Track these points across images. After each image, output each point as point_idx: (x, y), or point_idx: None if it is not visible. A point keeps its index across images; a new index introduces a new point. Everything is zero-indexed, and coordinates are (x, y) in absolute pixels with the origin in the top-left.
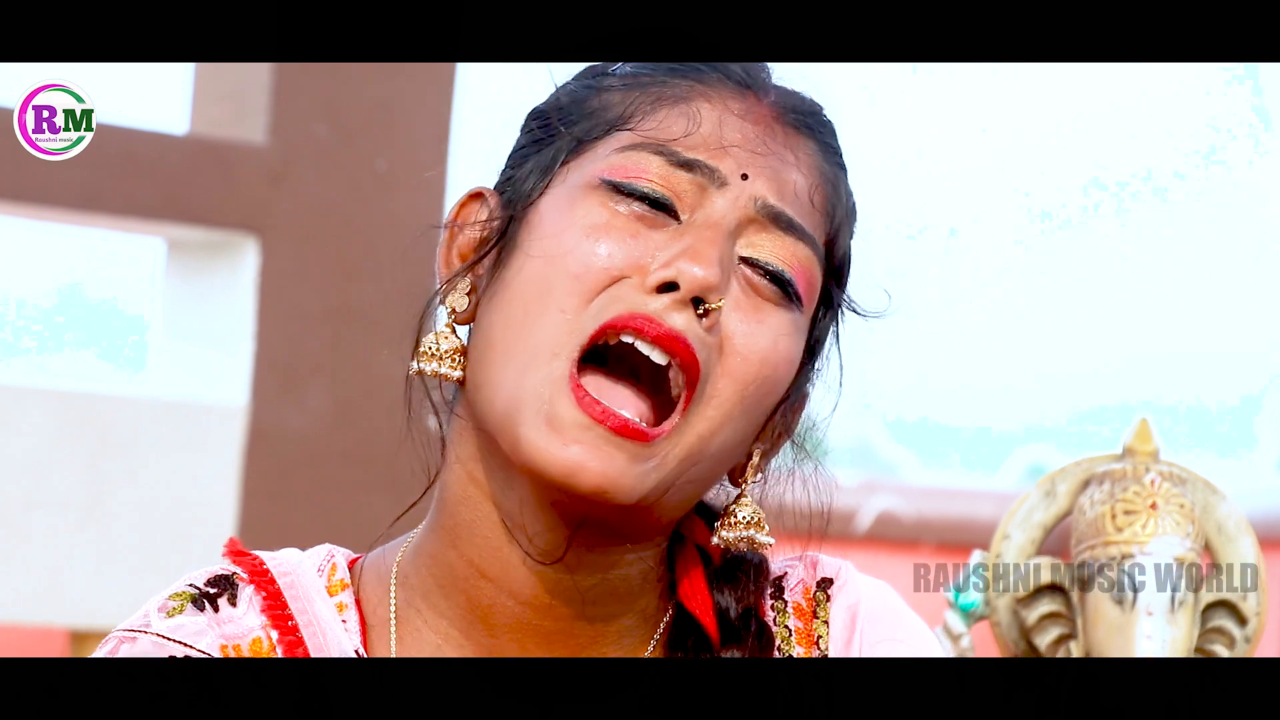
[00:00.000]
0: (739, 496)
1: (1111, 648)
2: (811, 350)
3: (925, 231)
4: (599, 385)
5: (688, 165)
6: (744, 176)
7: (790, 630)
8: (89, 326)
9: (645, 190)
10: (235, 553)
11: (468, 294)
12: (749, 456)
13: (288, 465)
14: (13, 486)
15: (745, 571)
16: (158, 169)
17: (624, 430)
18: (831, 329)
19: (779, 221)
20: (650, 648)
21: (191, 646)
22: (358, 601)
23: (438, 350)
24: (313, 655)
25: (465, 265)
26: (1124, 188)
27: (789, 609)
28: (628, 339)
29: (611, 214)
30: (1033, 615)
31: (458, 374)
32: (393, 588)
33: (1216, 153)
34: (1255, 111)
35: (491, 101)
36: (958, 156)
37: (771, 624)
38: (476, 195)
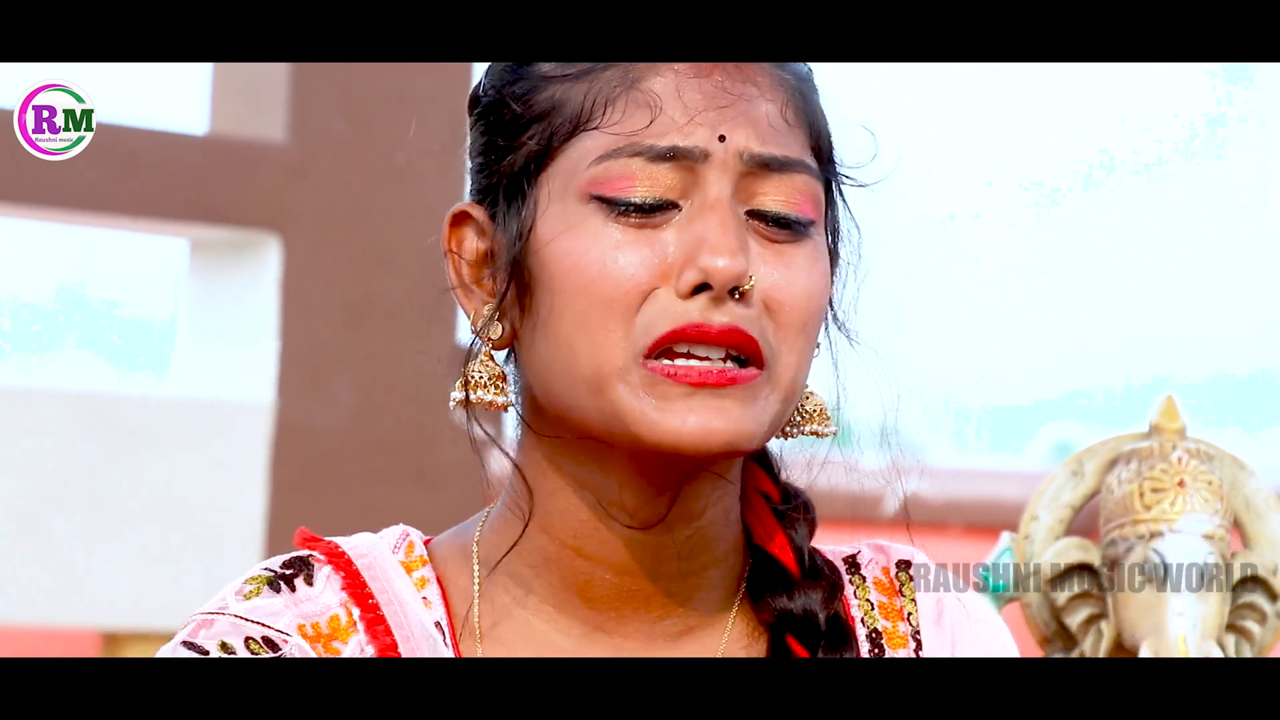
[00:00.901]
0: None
1: (1143, 626)
2: (833, 237)
3: (948, 215)
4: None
5: (668, 156)
6: (721, 138)
7: (873, 604)
8: (114, 329)
9: (639, 200)
10: (308, 539)
11: (497, 319)
12: None
13: (315, 460)
14: (41, 489)
15: (804, 510)
16: (178, 170)
17: (725, 380)
18: (839, 203)
19: (770, 166)
20: (737, 599)
21: (270, 626)
22: (438, 578)
23: (483, 379)
24: (394, 631)
25: (492, 309)
26: (1148, 161)
27: (869, 584)
28: (682, 349)
29: (619, 228)
30: (1063, 595)
31: (504, 399)
32: (475, 568)
33: (1237, 130)
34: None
35: None
36: (971, 139)
37: (852, 597)
38: (463, 216)
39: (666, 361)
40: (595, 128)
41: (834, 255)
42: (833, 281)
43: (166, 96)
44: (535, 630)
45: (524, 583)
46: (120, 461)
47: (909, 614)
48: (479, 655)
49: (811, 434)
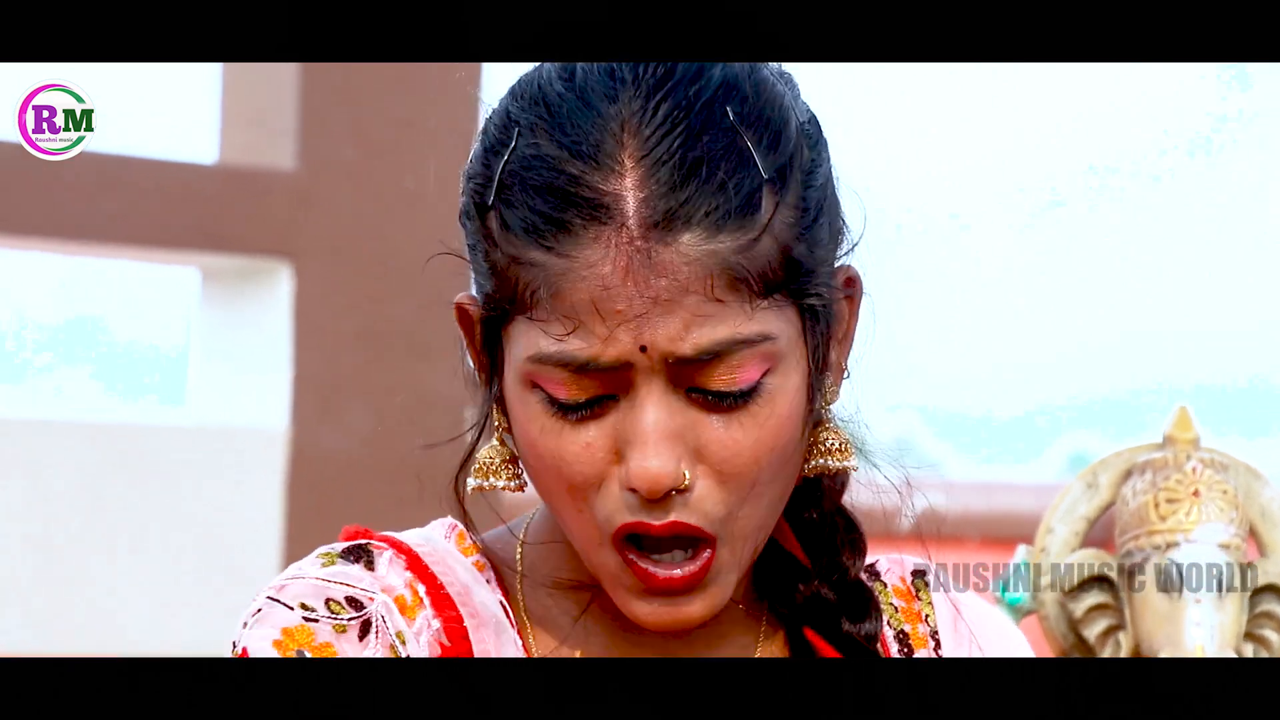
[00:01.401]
0: (820, 423)
1: (1160, 636)
2: (814, 319)
3: (960, 223)
4: (650, 546)
5: (590, 371)
6: (643, 349)
7: (895, 608)
8: (127, 359)
9: (573, 403)
10: (360, 531)
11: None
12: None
13: (330, 486)
14: (58, 522)
15: (820, 489)
16: (189, 199)
17: (684, 585)
18: (829, 294)
19: (698, 361)
20: (764, 614)
21: (354, 586)
22: (491, 564)
23: (494, 465)
24: (461, 610)
25: (484, 409)
26: (1147, 160)
27: (889, 590)
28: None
29: (561, 422)
30: (1080, 608)
31: (515, 483)
32: (519, 570)
33: (1237, 130)
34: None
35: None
36: (972, 146)
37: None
38: (464, 314)
39: (634, 556)
40: (529, 318)
41: (825, 349)
42: (822, 382)
43: (176, 127)
44: (581, 631)
45: (566, 592)
46: (135, 491)
47: (926, 616)
48: (533, 647)
49: (825, 469)
